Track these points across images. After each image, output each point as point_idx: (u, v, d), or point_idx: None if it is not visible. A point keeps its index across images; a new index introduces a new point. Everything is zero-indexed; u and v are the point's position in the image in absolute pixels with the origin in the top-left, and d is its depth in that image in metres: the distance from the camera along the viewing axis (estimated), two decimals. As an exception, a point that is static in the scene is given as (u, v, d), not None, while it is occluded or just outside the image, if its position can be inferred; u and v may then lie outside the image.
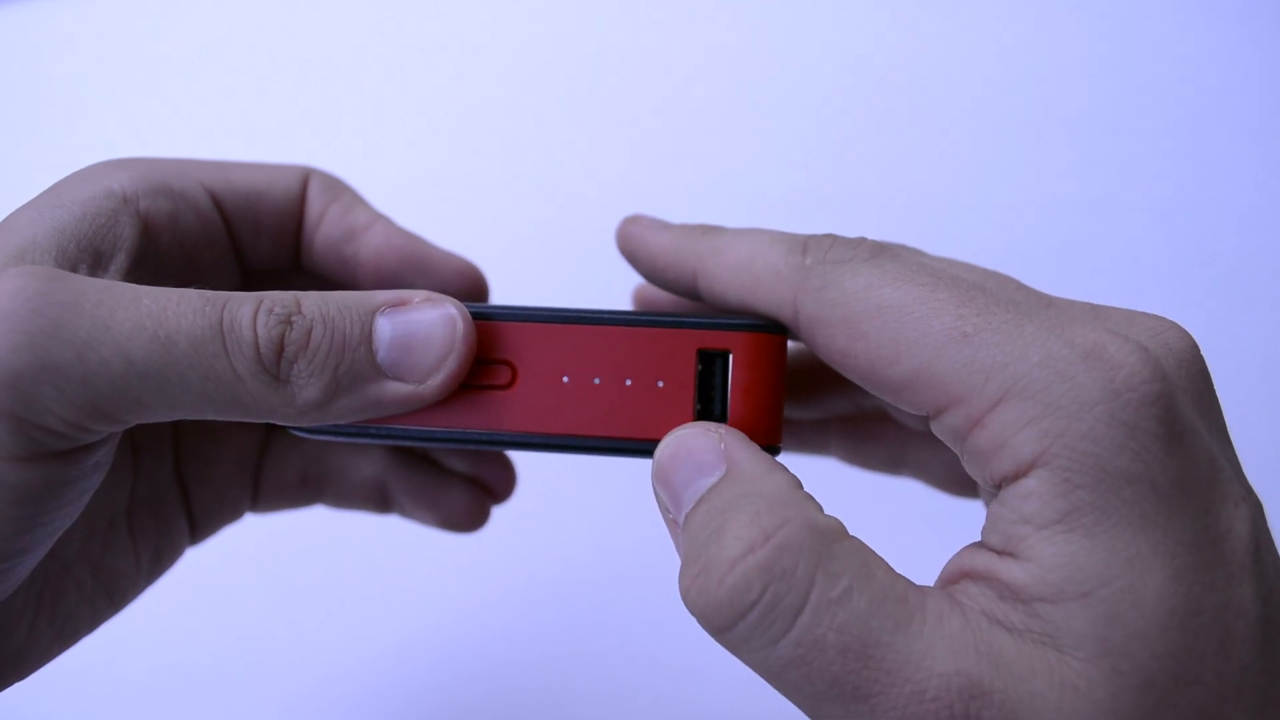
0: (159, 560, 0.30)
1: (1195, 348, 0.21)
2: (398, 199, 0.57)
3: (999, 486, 0.20)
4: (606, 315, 0.24)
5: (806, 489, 0.22)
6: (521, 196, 0.56)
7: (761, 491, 0.21)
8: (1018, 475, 0.19)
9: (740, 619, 0.19)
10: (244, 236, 0.30)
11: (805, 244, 0.24)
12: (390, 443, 0.25)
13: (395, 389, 0.24)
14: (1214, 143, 0.53)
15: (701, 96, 0.58)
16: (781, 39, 0.59)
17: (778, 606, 0.19)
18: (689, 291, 0.27)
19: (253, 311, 0.22)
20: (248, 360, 0.22)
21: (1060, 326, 0.20)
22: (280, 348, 0.22)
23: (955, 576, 0.21)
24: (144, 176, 0.27)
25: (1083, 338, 0.19)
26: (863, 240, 0.23)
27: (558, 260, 0.54)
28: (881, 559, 0.20)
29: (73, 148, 0.60)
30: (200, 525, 0.32)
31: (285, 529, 0.37)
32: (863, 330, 0.21)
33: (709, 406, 0.24)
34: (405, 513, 0.34)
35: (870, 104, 0.56)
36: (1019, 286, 0.24)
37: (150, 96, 0.61)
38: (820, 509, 0.21)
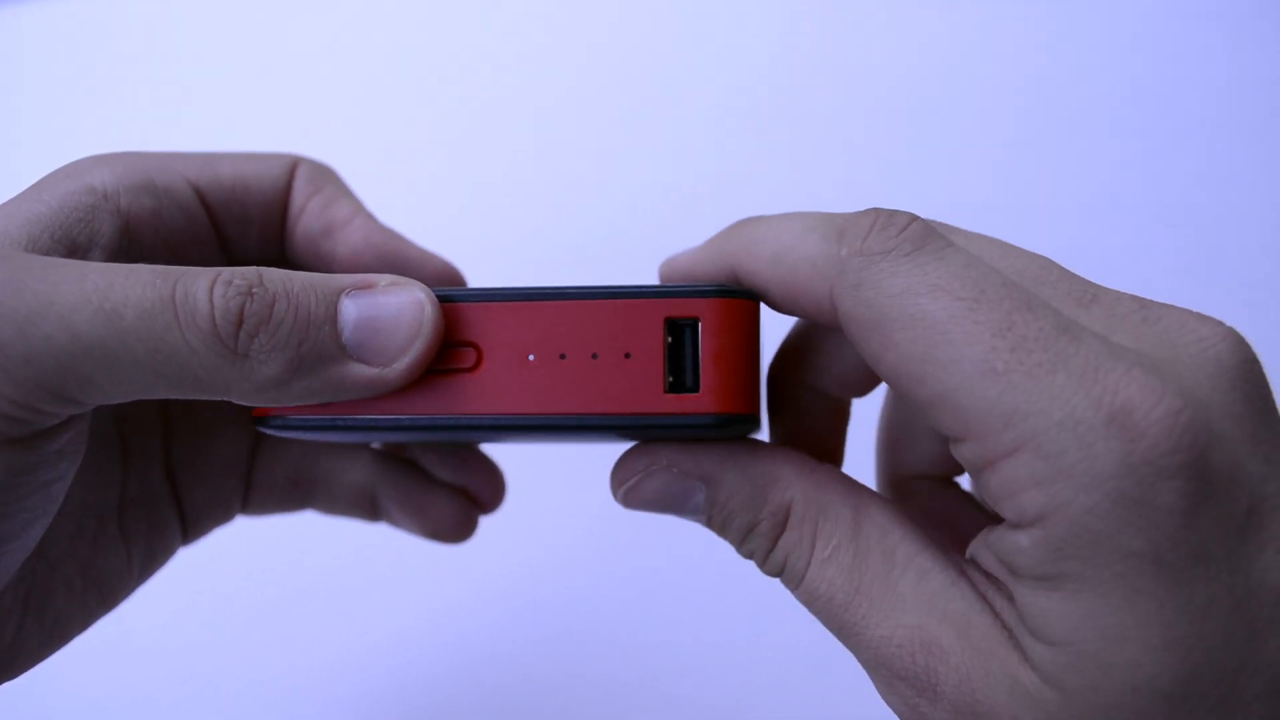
0: (151, 559, 0.30)
1: (1251, 361, 0.20)
2: (396, 198, 0.56)
3: (1003, 526, 0.20)
4: (569, 290, 0.23)
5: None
6: (514, 196, 0.56)
7: (758, 489, 0.24)
8: (1017, 526, 0.19)
9: (776, 576, 0.24)
10: (230, 230, 0.30)
11: (841, 230, 0.22)
12: (356, 436, 0.25)
13: (359, 371, 0.23)
14: (1217, 143, 0.53)
15: (700, 99, 0.57)
16: (782, 39, 0.58)
17: (794, 569, 0.23)
18: None
19: (209, 283, 0.21)
20: (202, 333, 0.21)
21: (1094, 371, 0.18)
22: (240, 319, 0.21)
23: (975, 560, 0.22)
24: (127, 173, 0.27)
25: (1112, 394, 0.18)
26: (908, 223, 0.21)
27: (552, 261, 0.54)
28: (881, 509, 0.23)
29: (73, 148, 0.59)
30: (192, 525, 0.32)
31: (278, 529, 0.37)
32: (894, 339, 0.20)
33: (680, 377, 0.23)
34: (393, 521, 0.34)
35: (871, 105, 0.56)
36: (1060, 279, 0.22)
37: (151, 97, 0.61)
38: (805, 464, 0.24)
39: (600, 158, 0.57)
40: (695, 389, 0.23)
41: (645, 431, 0.23)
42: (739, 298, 0.23)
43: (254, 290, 0.22)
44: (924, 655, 0.21)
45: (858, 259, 0.21)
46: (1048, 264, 0.22)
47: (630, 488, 0.24)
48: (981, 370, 0.19)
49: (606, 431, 0.24)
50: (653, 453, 0.24)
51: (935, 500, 0.28)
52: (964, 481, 0.30)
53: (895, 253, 0.20)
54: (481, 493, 0.34)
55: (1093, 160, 0.53)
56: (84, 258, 0.25)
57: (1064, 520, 0.18)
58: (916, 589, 0.21)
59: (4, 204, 0.25)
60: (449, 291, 0.24)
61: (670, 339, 0.23)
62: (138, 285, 0.21)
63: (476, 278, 0.33)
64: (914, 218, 0.21)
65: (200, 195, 0.29)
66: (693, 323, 0.23)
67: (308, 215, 0.30)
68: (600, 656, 0.45)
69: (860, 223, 0.21)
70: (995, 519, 0.29)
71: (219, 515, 0.32)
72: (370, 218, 0.31)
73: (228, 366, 0.22)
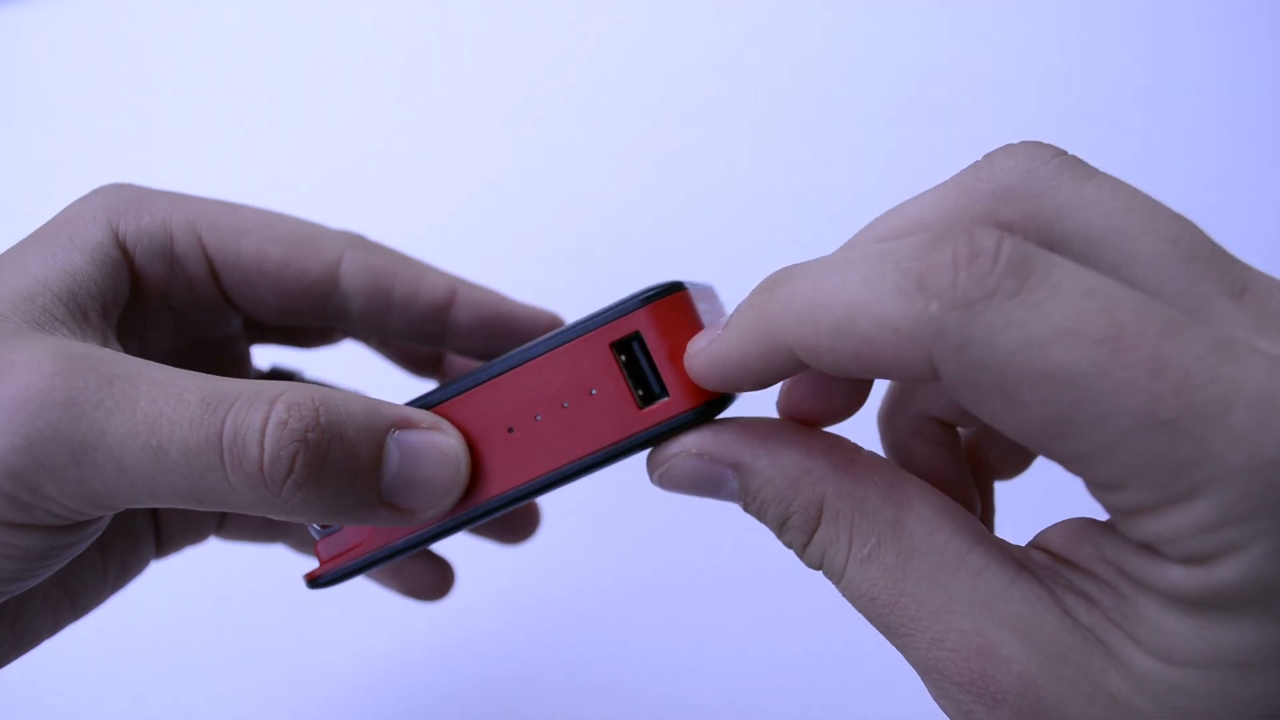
0: (125, 572, 0.30)
1: None
2: (395, 204, 0.56)
3: (1141, 548, 0.19)
4: (516, 356, 0.24)
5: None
6: (516, 203, 0.56)
7: (789, 481, 0.22)
8: (1167, 558, 0.18)
9: (818, 569, 0.23)
10: (244, 305, 0.29)
11: (920, 277, 0.17)
12: (392, 562, 0.27)
13: (387, 515, 0.24)
14: (1218, 143, 0.53)
15: (697, 101, 0.57)
16: (779, 40, 0.58)
17: (832, 566, 0.22)
18: (797, 370, 0.21)
19: (263, 421, 0.21)
20: (247, 477, 0.21)
21: (1273, 400, 0.16)
22: (290, 469, 0.21)
23: (1054, 553, 0.21)
24: (150, 227, 0.27)
25: None
26: (997, 248, 0.17)
27: (555, 266, 0.53)
28: (926, 502, 0.21)
29: (73, 148, 0.60)
30: (166, 543, 0.32)
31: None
32: (1024, 400, 0.17)
33: (648, 390, 0.24)
34: (371, 576, 0.34)
35: (870, 105, 0.56)
36: (1211, 255, 0.19)
37: (150, 97, 0.61)
38: (842, 458, 0.22)
39: (593, 159, 0.57)
40: (665, 394, 0.23)
41: (640, 448, 0.24)
42: (666, 295, 0.24)
43: (309, 435, 0.21)
44: (980, 661, 0.19)
45: (956, 313, 0.17)
46: (1198, 231, 0.19)
47: (663, 473, 0.24)
48: (1143, 423, 0.16)
49: (604, 464, 0.24)
50: (683, 439, 0.23)
51: (935, 462, 0.26)
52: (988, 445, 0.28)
53: (999, 294, 0.17)
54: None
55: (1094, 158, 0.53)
56: (111, 312, 0.25)
57: (1237, 563, 0.17)
58: (970, 590, 0.20)
59: (35, 245, 0.25)
60: (429, 398, 0.25)
61: (623, 358, 0.24)
62: (184, 420, 0.21)
63: (481, 276, 0.33)
64: (1001, 237, 0.17)
65: (213, 270, 0.28)
66: (636, 337, 0.23)
67: (402, 304, 0.30)
68: (599, 657, 0.45)
69: (939, 261, 0.17)
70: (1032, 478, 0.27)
71: (192, 537, 0.33)
72: (469, 285, 0.31)
73: (264, 504, 0.22)
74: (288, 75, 0.61)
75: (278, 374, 0.35)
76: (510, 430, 0.24)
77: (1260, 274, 0.19)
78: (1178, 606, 0.18)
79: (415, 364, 0.36)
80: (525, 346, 0.25)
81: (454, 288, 0.31)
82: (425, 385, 0.36)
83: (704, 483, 0.23)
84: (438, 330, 0.31)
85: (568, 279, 0.52)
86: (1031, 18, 0.57)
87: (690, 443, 0.23)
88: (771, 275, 0.21)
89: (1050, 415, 0.17)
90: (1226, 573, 0.17)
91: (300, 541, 0.34)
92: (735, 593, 0.45)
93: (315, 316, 0.30)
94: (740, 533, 0.44)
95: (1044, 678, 0.19)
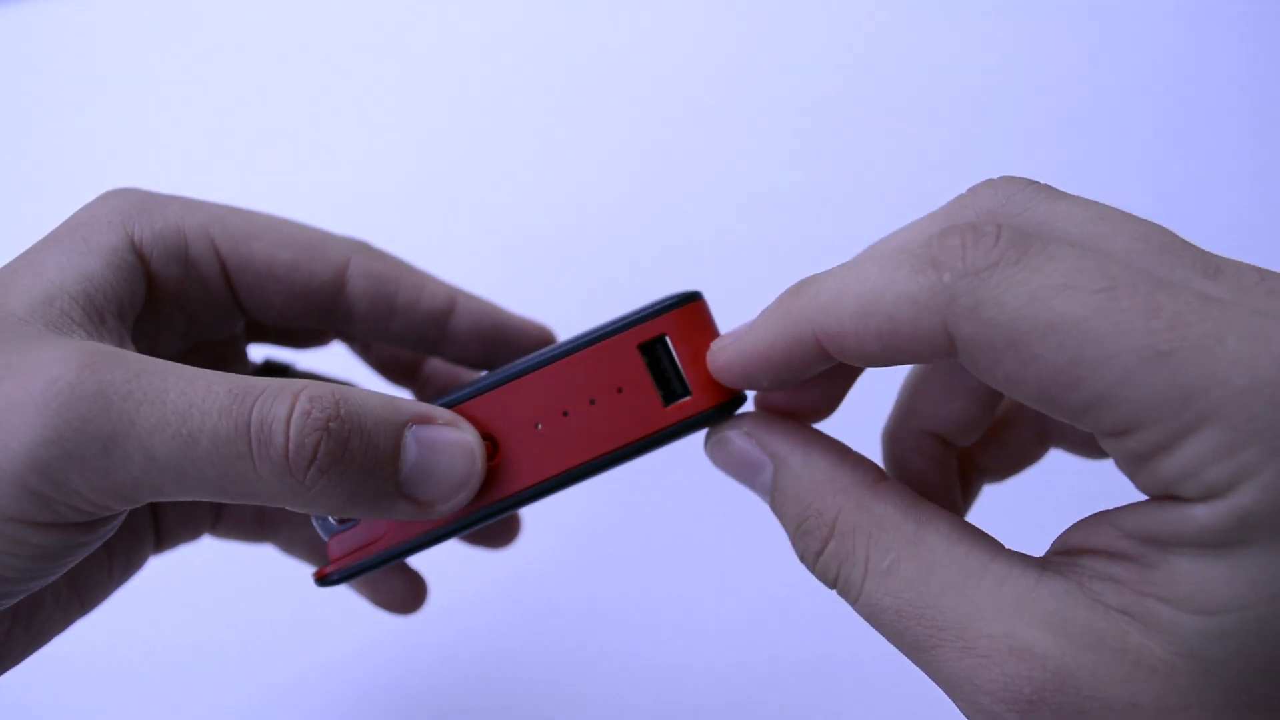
0: (128, 568, 0.31)
1: None
2: (396, 204, 0.56)
3: (1163, 497, 0.19)
4: (546, 355, 0.25)
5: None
6: (513, 204, 0.56)
7: (813, 484, 0.23)
8: (1187, 500, 0.18)
9: (832, 587, 0.23)
10: (252, 307, 0.30)
11: (933, 257, 0.20)
12: (406, 557, 0.27)
13: (405, 507, 0.24)
14: (1215, 143, 0.53)
15: (691, 101, 0.58)
16: (776, 40, 0.59)
17: (848, 581, 0.23)
18: (817, 366, 0.23)
19: (288, 411, 0.22)
20: (274, 464, 0.22)
21: (1262, 333, 0.18)
22: (313, 456, 0.22)
23: (1071, 549, 0.21)
24: (165, 231, 0.27)
25: None
26: (998, 231, 0.19)
27: (552, 267, 0.54)
28: (945, 521, 0.22)
29: (73, 149, 0.60)
30: (164, 539, 0.33)
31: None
32: (1033, 353, 0.19)
33: (670, 389, 0.25)
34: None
35: (863, 104, 0.56)
36: (1182, 247, 0.21)
37: (151, 97, 0.61)
38: (869, 476, 0.23)
39: (593, 166, 0.57)
40: (687, 393, 0.25)
41: (662, 443, 0.26)
42: (690, 301, 0.26)
43: (331, 425, 0.22)
44: (1013, 663, 0.19)
45: (966, 280, 0.19)
46: (1167, 231, 0.21)
47: (716, 441, 0.25)
48: (1145, 357, 0.18)
49: (628, 458, 0.25)
50: (739, 419, 0.25)
51: (930, 475, 0.28)
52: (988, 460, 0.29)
53: (1004, 263, 0.19)
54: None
55: (1095, 159, 0.53)
56: (123, 319, 0.26)
57: (1255, 487, 0.17)
58: (997, 596, 0.20)
59: (51, 248, 0.25)
60: (452, 397, 0.26)
61: (648, 361, 0.25)
62: (214, 410, 0.22)
63: (473, 283, 0.34)
64: (999, 224, 0.20)
65: (225, 274, 0.29)
66: (661, 340, 0.25)
67: (404, 311, 0.31)
68: (599, 657, 0.45)
69: (948, 244, 0.20)
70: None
71: (188, 535, 0.34)
72: (468, 296, 0.32)
73: (289, 493, 0.22)
74: (288, 78, 0.61)
75: (271, 367, 0.36)
76: (538, 426, 0.25)
77: (1232, 260, 0.20)
78: (1208, 552, 0.18)
79: (393, 371, 0.37)
80: (552, 348, 0.26)
81: (454, 297, 0.32)
82: (405, 392, 0.37)
83: (747, 465, 0.25)
84: (435, 338, 0.32)
85: (564, 284, 0.53)
86: (1032, 18, 0.57)
87: (745, 421, 0.25)
88: (797, 281, 0.23)
89: (1060, 363, 0.18)
90: (1247, 498, 0.17)
91: (289, 543, 0.35)
92: (732, 594, 0.46)
93: (319, 319, 0.31)
94: (735, 535, 0.45)
95: (1081, 667, 0.19)
